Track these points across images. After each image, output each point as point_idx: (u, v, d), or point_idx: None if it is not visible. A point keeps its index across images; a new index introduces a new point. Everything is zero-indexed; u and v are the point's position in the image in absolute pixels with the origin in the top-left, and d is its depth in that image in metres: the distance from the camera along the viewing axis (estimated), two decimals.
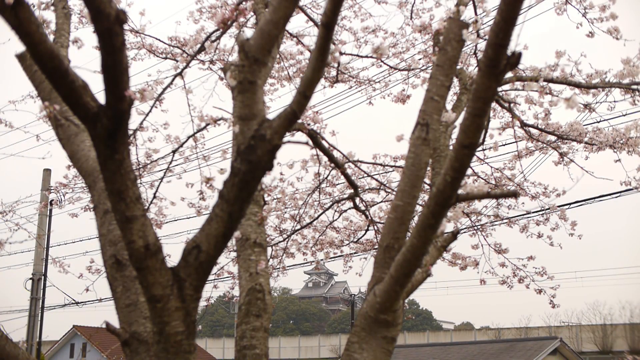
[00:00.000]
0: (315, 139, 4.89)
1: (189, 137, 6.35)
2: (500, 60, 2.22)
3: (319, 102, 18.12)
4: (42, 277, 18.77)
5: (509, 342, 26.04)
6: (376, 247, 5.48)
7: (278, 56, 7.38)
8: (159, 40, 7.36)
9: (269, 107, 6.67)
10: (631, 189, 7.24)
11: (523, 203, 8.74)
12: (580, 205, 11.31)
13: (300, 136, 4.89)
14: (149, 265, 2.57)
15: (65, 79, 2.26)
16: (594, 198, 11.71)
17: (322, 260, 8.40)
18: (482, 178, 7.79)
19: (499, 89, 5.99)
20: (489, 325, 58.27)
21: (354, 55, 7.46)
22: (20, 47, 2.60)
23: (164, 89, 6.64)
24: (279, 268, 8.30)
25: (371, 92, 8.21)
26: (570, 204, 11.30)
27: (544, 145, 7.32)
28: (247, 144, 2.58)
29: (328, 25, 2.41)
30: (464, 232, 8.02)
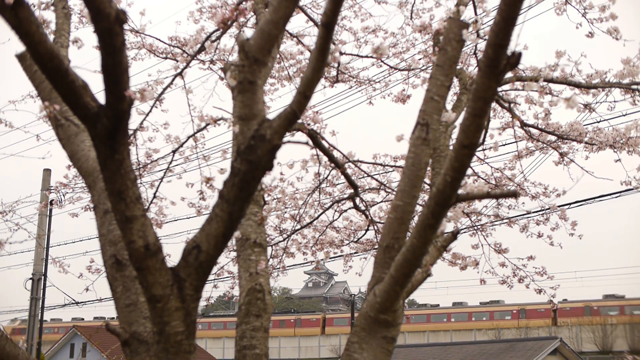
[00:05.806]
0: (315, 139, 4.89)
1: (189, 137, 6.36)
2: (500, 60, 2.23)
3: (319, 102, 18.09)
4: (42, 277, 18.76)
5: (509, 342, 26.03)
6: (376, 247, 5.48)
7: (278, 56, 7.37)
8: (159, 40, 7.36)
9: (269, 107, 6.67)
10: (631, 189, 7.25)
11: (523, 203, 8.72)
12: (580, 205, 11.30)
13: (300, 136, 4.90)
14: (149, 265, 2.57)
15: (65, 79, 2.26)
16: (594, 198, 11.70)
17: (322, 260, 8.38)
18: (482, 178, 7.79)
19: (499, 89, 5.99)
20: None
21: (354, 55, 7.45)
22: (20, 47, 2.60)
23: (164, 89, 6.64)
24: (279, 268, 8.30)
25: (371, 92, 8.21)
26: (570, 204, 11.28)
27: (544, 145, 7.32)
28: (247, 144, 2.59)
29: (328, 25, 2.41)
30: (464, 232, 8.01)
